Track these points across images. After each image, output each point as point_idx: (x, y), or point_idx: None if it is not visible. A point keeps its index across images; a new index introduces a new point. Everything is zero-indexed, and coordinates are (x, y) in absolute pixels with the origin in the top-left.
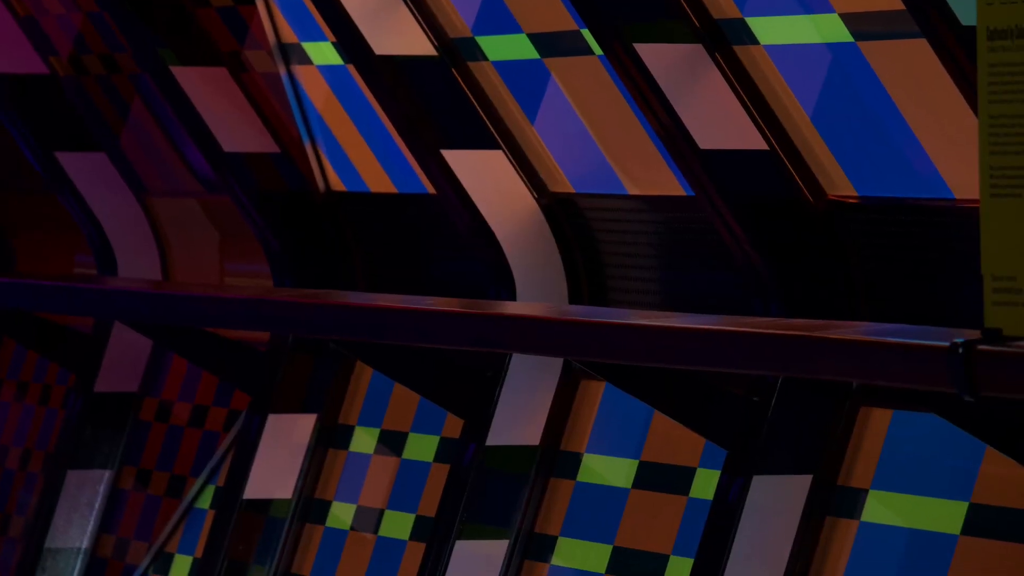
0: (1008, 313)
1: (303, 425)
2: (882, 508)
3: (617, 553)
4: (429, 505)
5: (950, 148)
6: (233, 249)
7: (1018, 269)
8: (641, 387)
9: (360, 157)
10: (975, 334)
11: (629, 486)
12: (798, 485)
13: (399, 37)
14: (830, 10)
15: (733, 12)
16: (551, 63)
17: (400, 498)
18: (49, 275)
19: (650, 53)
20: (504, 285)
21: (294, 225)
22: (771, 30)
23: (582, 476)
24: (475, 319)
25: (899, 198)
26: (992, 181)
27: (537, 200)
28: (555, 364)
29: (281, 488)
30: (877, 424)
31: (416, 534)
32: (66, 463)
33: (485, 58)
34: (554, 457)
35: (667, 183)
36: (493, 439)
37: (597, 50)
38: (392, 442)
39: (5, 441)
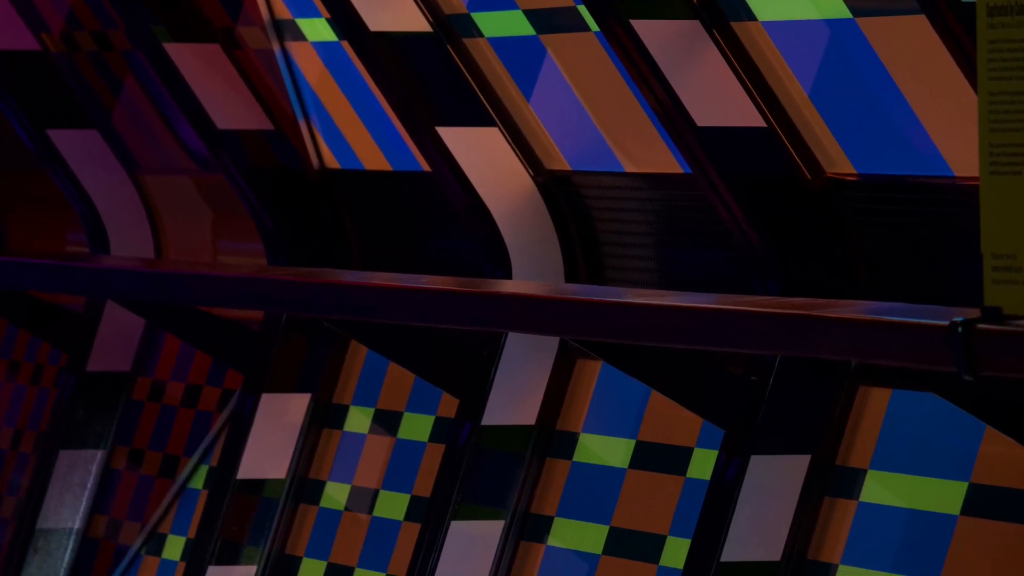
0: (1008, 292)
1: (297, 405)
2: (881, 488)
3: (614, 533)
4: (424, 485)
5: (949, 125)
6: (226, 227)
7: (1018, 247)
8: (638, 366)
9: (354, 134)
10: (974, 313)
11: (626, 466)
12: (796, 465)
13: (394, 13)
14: None
15: None
16: (547, 40)
17: (395, 478)
18: (41, 253)
19: (647, 29)
20: (500, 263)
21: (288, 203)
22: (769, 6)
23: (578, 456)
24: (470, 298)
25: (898, 176)
26: (992, 159)
27: (533, 178)
28: (551, 343)
29: (275, 468)
30: (876, 404)
31: (411, 514)
32: (58, 443)
33: (480, 34)
34: (550, 437)
35: (664, 161)
36: (489, 419)
37: (593, 26)
38: (387, 422)
39: None
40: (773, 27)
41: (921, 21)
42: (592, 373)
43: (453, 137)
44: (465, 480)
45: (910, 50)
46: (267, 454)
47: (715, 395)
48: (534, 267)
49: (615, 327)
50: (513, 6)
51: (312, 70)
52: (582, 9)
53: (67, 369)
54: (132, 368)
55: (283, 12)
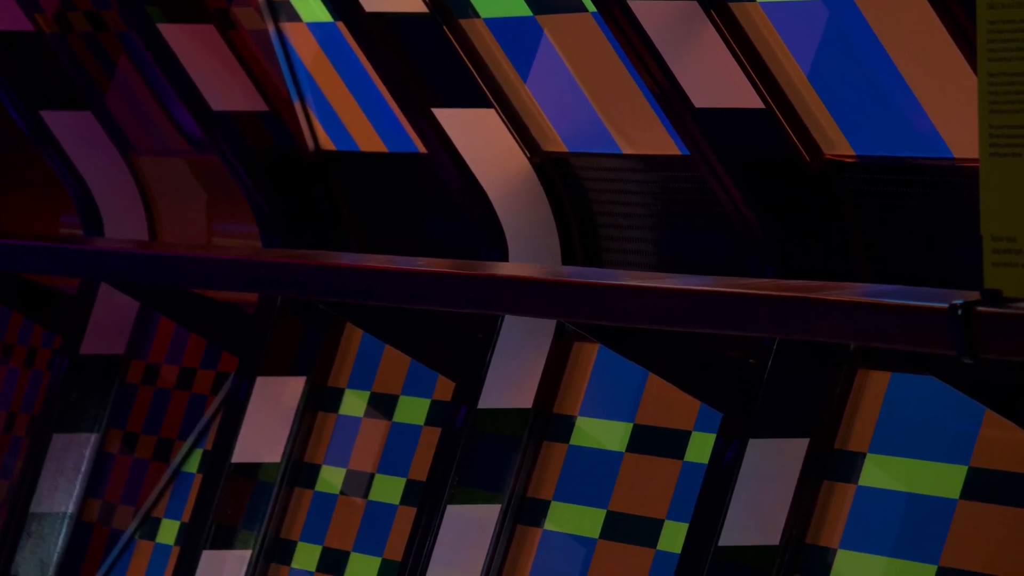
0: (1008, 274)
1: (292, 388)
2: (880, 472)
3: (611, 518)
4: (420, 469)
5: (949, 106)
6: (221, 209)
7: (1018, 229)
8: (635, 349)
9: (350, 116)
10: (974, 295)
11: (623, 450)
12: (795, 448)
13: None
14: None
15: None
16: (544, 20)
17: (391, 462)
18: (34, 235)
19: (644, 10)
20: (496, 246)
21: (283, 185)
22: None
23: (575, 440)
24: (467, 280)
25: (897, 157)
26: (992, 140)
27: (530, 159)
28: (548, 326)
29: (270, 452)
30: (875, 387)
31: (407, 498)
32: (52, 426)
33: (477, 15)
34: (547, 420)
35: (662, 142)
36: (485, 402)
37: (591, 7)
38: (382, 405)
39: None
40: (771, 8)
41: (920, 1)
42: (589, 356)
43: (449, 118)
44: (461, 464)
45: (909, 30)
46: (262, 437)
47: (713, 378)
48: (530, 249)
49: (612, 310)
50: None
51: (307, 51)
52: None
53: (61, 352)
54: (126, 351)
55: None
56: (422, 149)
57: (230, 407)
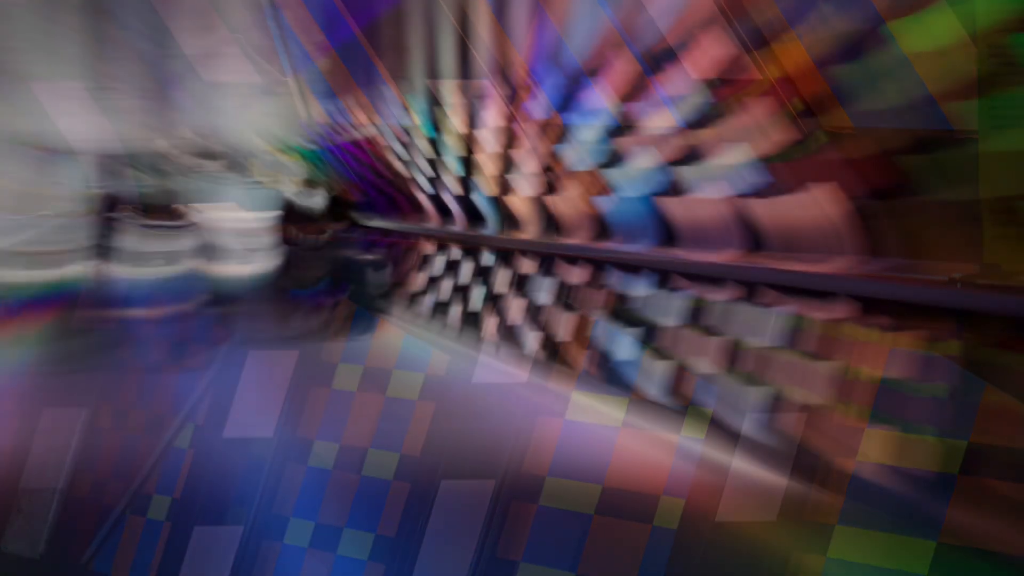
0: (1008, 248)
1: (285, 362)
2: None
3: (607, 495)
4: (414, 444)
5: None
6: None
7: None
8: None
9: None
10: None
11: (619, 426)
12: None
13: None
14: None
15: None
16: None
17: (384, 437)
18: None
19: None
20: None
21: None
22: None
23: (571, 415)
24: None
25: (895, 129)
26: (992, 112)
27: None
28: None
29: (262, 427)
30: None
31: (401, 474)
32: (43, 402)
33: None
34: (543, 397)
35: None
36: (479, 379)
37: None
38: (376, 380)
39: None
40: None
41: None
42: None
43: None
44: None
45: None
46: (254, 412)
47: None
48: None
49: None
50: None
51: None
52: None
53: None
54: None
55: None
56: None
57: (222, 382)
